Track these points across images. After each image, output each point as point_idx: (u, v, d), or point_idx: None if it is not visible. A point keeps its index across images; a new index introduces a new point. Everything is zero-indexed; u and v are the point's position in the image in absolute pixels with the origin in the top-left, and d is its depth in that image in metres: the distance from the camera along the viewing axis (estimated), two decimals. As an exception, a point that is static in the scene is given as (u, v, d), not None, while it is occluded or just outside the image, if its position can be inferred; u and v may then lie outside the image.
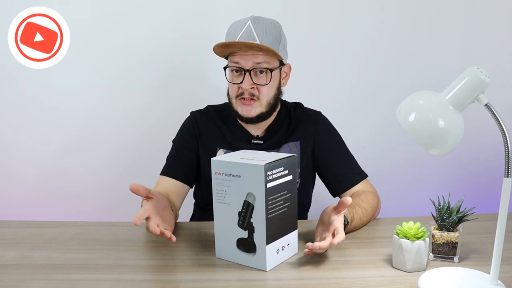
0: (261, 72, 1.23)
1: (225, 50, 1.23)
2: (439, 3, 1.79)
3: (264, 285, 0.89)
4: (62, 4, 1.75)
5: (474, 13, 1.80)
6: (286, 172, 0.95)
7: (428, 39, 1.81)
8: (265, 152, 1.02)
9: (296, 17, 1.78)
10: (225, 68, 1.28)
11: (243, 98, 1.25)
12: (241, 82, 1.23)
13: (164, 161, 1.36)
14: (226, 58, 1.29)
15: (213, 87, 1.80)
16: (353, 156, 1.36)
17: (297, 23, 1.76)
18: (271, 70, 1.24)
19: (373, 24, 1.81)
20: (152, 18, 1.78)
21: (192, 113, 1.40)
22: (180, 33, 1.80)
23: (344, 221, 1.06)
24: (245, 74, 1.22)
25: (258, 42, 1.19)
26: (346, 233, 1.12)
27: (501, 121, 0.77)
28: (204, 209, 1.41)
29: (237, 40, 1.20)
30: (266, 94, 1.26)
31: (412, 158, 1.86)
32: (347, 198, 0.97)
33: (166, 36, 1.79)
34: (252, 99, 1.24)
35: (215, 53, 1.25)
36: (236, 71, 1.25)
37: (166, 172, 1.33)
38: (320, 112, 1.41)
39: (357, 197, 1.22)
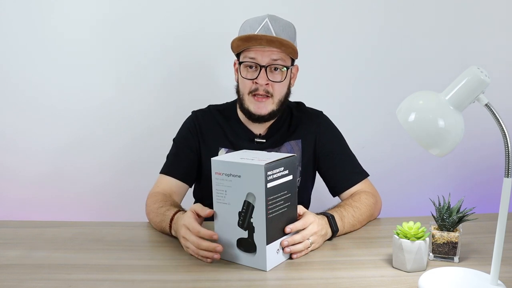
0: (275, 69, 1.24)
1: (244, 44, 1.22)
2: (440, 3, 1.79)
3: (264, 285, 0.89)
4: (64, 3, 1.75)
5: (475, 14, 1.80)
6: (286, 172, 0.95)
7: (428, 39, 1.81)
8: (265, 152, 1.02)
9: (298, 17, 1.76)
10: (240, 64, 1.26)
11: (257, 95, 1.24)
12: (256, 78, 1.23)
13: (164, 161, 1.36)
14: (237, 55, 1.29)
15: (215, 87, 1.81)
16: (354, 156, 1.36)
17: (299, 23, 1.75)
18: (287, 68, 1.24)
19: (373, 25, 1.81)
20: (154, 19, 1.78)
21: (193, 112, 1.40)
22: (182, 33, 1.79)
23: (329, 216, 1.08)
24: (260, 70, 1.22)
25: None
26: (344, 234, 1.13)
27: (501, 121, 0.77)
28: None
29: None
30: (279, 92, 1.26)
31: (413, 158, 1.86)
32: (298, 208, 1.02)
33: (168, 37, 1.79)
34: (266, 96, 1.24)
35: (232, 47, 1.24)
36: (251, 67, 1.24)
37: (166, 171, 1.32)
38: (322, 112, 1.41)
39: (349, 198, 1.24)
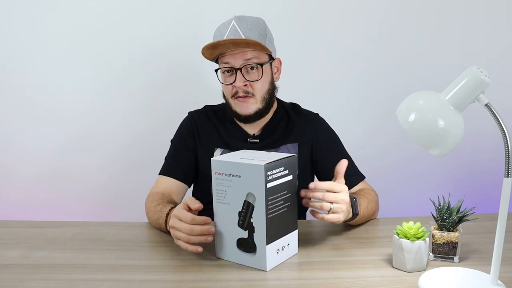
0: (251, 68, 1.24)
1: (214, 51, 1.23)
2: (438, 2, 1.79)
3: (264, 285, 0.89)
4: (61, 3, 1.75)
5: (474, 13, 1.80)
6: (286, 172, 0.95)
7: (427, 38, 1.81)
8: (265, 152, 1.02)
9: (295, 17, 1.78)
10: (216, 71, 1.28)
11: (239, 96, 1.25)
12: (234, 82, 1.24)
13: (163, 161, 1.36)
14: (216, 62, 1.30)
15: (212, 87, 1.80)
16: (351, 158, 1.36)
17: (296, 23, 1.76)
18: (261, 65, 1.24)
19: (371, 24, 1.81)
20: (150, 19, 1.78)
21: (190, 113, 1.41)
22: (178, 33, 1.80)
23: (352, 198, 1.08)
24: (236, 72, 1.23)
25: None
26: (354, 223, 1.15)
27: (501, 121, 0.77)
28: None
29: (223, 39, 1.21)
30: (260, 90, 1.26)
31: (412, 158, 1.86)
32: (342, 163, 1.01)
33: (164, 37, 1.80)
34: (247, 96, 1.25)
35: (205, 57, 1.26)
36: (228, 71, 1.26)
37: (165, 171, 1.33)
38: (317, 114, 1.41)
39: (360, 191, 1.25)
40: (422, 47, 1.82)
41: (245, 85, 1.24)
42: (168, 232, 1.13)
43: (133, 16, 1.78)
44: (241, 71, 1.23)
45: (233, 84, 1.24)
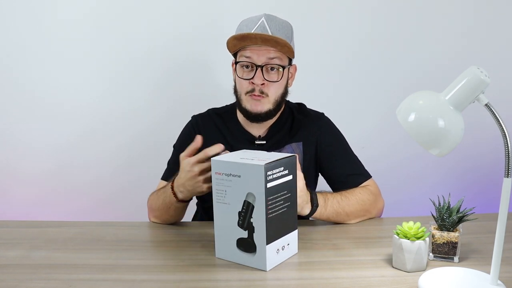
0: (272, 69, 1.23)
1: (239, 43, 1.22)
2: (439, 2, 1.79)
3: (264, 285, 0.89)
4: (64, 2, 1.75)
5: (474, 12, 1.80)
6: (286, 172, 0.95)
7: (428, 38, 1.82)
8: (265, 152, 1.02)
9: (296, 16, 1.77)
10: (236, 64, 1.26)
11: (254, 95, 1.24)
12: (252, 78, 1.22)
13: (165, 159, 1.36)
14: (234, 55, 1.28)
15: (215, 85, 1.81)
16: (356, 157, 1.36)
17: (296, 22, 1.76)
18: (283, 67, 1.24)
19: (372, 24, 1.81)
20: (154, 15, 1.78)
21: (193, 117, 1.40)
22: (182, 30, 1.80)
23: (311, 191, 1.15)
24: (256, 69, 1.21)
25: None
26: (326, 219, 1.19)
27: (501, 121, 0.77)
28: (205, 208, 1.41)
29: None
30: (275, 92, 1.25)
31: (412, 158, 1.86)
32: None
33: (168, 34, 1.79)
34: (261, 96, 1.24)
35: (228, 46, 1.24)
36: (247, 66, 1.24)
37: (167, 177, 1.32)
38: (323, 113, 1.41)
39: (352, 189, 1.26)
40: (422, 48, 1.82)
41: (263, 84, 1.22)
42: (178, 202, 1.15)
43: (135, 13, 1.78)
44: (261, 69, 1.22)
45: (251, 80, 1.23)
